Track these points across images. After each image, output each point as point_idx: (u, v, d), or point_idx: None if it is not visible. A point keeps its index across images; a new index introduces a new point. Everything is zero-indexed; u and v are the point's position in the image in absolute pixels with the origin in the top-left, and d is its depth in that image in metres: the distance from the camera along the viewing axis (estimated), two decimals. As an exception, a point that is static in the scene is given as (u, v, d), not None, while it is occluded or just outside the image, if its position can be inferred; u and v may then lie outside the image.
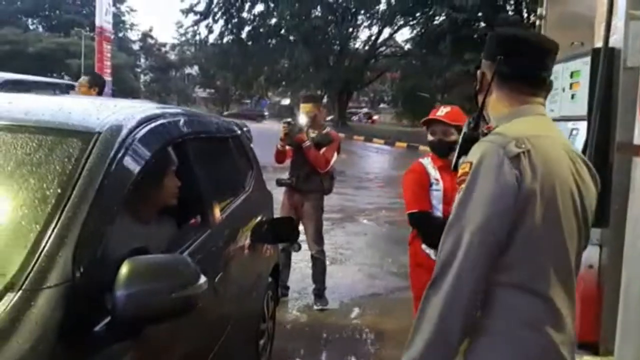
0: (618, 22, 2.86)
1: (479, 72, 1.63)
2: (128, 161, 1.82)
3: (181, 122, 2.42)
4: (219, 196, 2.68)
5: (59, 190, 1.58)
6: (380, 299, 5.29)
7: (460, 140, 1.52)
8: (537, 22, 4.19)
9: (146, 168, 1.93)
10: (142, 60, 50.42)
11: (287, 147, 4.69)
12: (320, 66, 35.08)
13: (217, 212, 2.57)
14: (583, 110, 3.06)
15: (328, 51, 35.24)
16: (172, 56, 51.66)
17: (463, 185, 1.37)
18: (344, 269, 6.10)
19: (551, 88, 1.60)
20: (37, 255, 1.40)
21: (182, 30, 41.15)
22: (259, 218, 3.26)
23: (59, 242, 1.44)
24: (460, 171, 1.42)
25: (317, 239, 4.88)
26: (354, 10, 34.55)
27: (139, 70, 48.72)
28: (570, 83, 3.29)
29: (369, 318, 4.75)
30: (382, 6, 33.04)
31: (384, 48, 36.06)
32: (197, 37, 37.39)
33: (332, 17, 34.26)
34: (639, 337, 2.23)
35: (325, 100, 46.33)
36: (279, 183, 4.84)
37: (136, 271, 1.48)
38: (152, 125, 2.09)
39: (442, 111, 3.10)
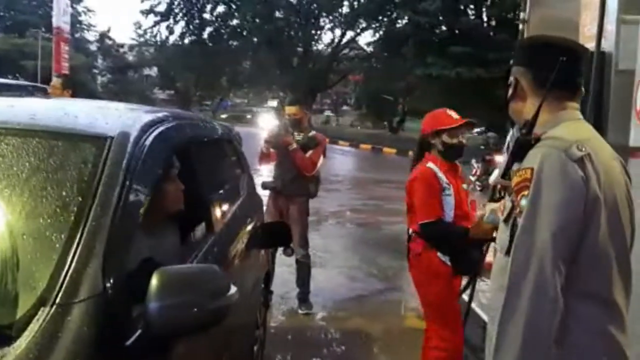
0: (609, 26, 2.92)
1: (511, 78, 1.63)
2: (143, 166, 1.75)
3: (185, 126, 2.35)
4: (221, 201, 2.62)
5: (80, 198, 1.51)
6: (364, 302, 5.28)
7: (512, 146, 1.50)
8: (520, 26, 4.27)
9: (159, 173, 1.87)
10: (100, 61, 49.29)
11: (272, 150, 4.63)
12: (284, 68, 35.03)
13: (219, 217, 2.51)
14: (575, 114, 3.12)
15: (291, 53, 35.20)
16: (131, 57, 50.68)
17: (525, 193, 1.35)
18: (325, 273, 6.07)
19: (583, 93, 1.62)
20: (66, 268, 1.33)
21: (140, 31, 40.46)
22: (253, 223, 3.20)
23: (87, 252, 1.37)
24: (518, 178, 1.41)
25: (303, 243, 4.85)
26: (317, 12, 34.61)
27: (96, 71, 47.61)
28: (560, 86, 3.35)
29: (355, 321, 4.73)
30: (345, 9, 33.25)
31: (347, 50, 36.22)
32: (157, 38, 36.81)
33: (296, 19, 34.24)
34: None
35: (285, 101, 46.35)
36: (265, 186, 4.78)
37: (168, 282, 1.42)
38: (160, 129, 2.02)
39: (456, 115, 3.08)
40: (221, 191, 2.67)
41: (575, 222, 1.32)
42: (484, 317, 3.67)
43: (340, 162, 21.81)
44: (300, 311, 4.84)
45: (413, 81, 25.82)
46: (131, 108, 2.29)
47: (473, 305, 3.77)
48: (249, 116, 41.14)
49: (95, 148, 1.68)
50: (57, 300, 1.26)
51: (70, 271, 1.32)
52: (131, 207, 1.60)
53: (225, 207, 2.67)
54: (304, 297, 4.93)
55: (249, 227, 3.07)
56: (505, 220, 1.49)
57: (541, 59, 1.55)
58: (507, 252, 1.43)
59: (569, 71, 1.54)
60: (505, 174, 1.51)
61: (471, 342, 3.87)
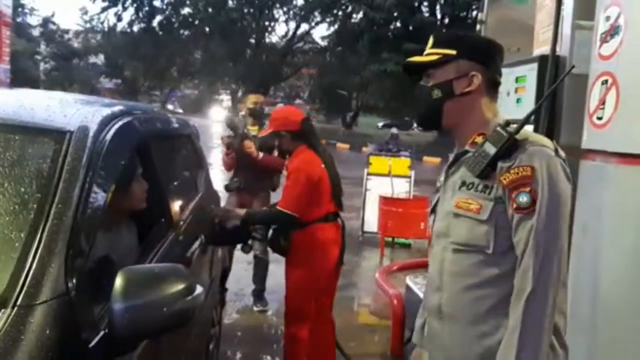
0: (564, 31, 3.02)
1: (470, 74, 1.61)
2: (104, 162, 1.69)
3: (144, 120, 2.29)
4: (180, 198, 2.57)
5: (39, 195, 1.45)
6: (319, 297, 5.28)
7: (500, 144, 1.49)
8: (478, 26, 4.35)
9: (120, 169, 1.82)
10: (43, 47, 47.48)
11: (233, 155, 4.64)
12: (237, 60, 34.67)
13: (179, 214, 2.46)
14: (528, 114, 3.21)
15: (245, 44, 34.85)
16: (76, 44, 49.03)
17: (526, 189, 1.42)
18: (279, 269, 5.95)
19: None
20: (27, 268, 1.27)
21: (87, 17, 39.21)
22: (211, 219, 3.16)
23: (49, 252, 1.32)
24: (513, 176, 1.45)
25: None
26: (270, 3, 34.39)
27: (39, 57, 45.85)
28: (516, 87, 3.43)
29: (310, 317, 4.73)
30: (300, 1, 33.18)
31: (301, 44, 36.14)
32: (105, 25, 35.74)
33: (249, 10, 33.91)
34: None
35: (240, 94, 45.90)
36: (228, 189, 4.74)
37: (132, 282, 1.38)
38: (120, 123, 1.95)
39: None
40: (180, 187, 2.62)
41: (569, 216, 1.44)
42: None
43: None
44: (255, 308, 4.82)
45: (367, 76, 26.02)
46: (88, 101, 2.21)
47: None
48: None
49: (55, 142, 1.61)
50: (18, 302, 1.21)
51: (32, 271, 1.27)
52: (93, 204, 1.55)
53: (184, 203, 2.62)
54: (259, 294, 4.90)
55: (207, 223, 3.03)
56: (486, 216, 1.50)
57: (492, 59, 1.63)
58: (499, 251, 1.48)
59: (500, 73, 1.66)
60: (483, 174, 1.51)
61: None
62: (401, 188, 7.67)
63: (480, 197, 1.52)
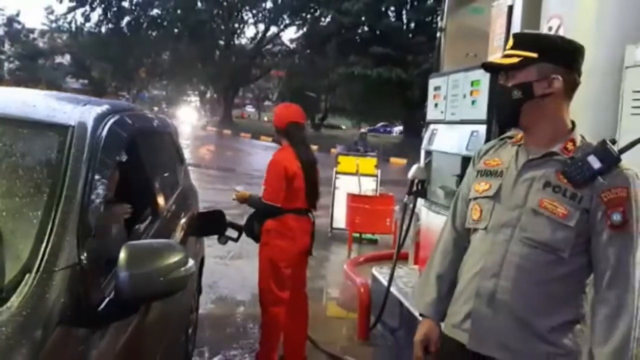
0: (513, 39, 3.33)
1: (551, 77, 1.64)
2: (102, 153, 1.91)
3: (133, 117, 2.50)
4: (164, 190, 2.78)
5: (50, 180, 1.66)
6: (289, 290, 5.52)
7: (609, 162, 1.59)
8: (438, 34, 4.65)
9: (115, 159, 2.04)
10: (7, 46, 46.52)
11: None
12: (205, 61, 34.62)
13: (163, 205, 2.67)
14: (482, 115, 3.52)
15: (213, 46, 34.83)
16: (41, 43, 48.17)
17: (620, 209, 1.57)
18: (251, 263, 6.20)
19: None
20: (45, 241, 1.49)
21: (53, 17, 38.62)
22: (191, 212, 3.37)
23: (63, 228, 1.54)
24: (612, 195, 1.58)
25: None
26: (240, 6, 34.45)
27: (3, 57, 44.93)
28: (471, 90, 3.75)
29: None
30: (269, 4, 33.34)
31: (270, 46, 36.28)
32: (72, 25, 35.24)
33: (219, 12, 33.90)
34: None
35: (208, 95, 45.72)
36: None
37: (135, 255, 1.60)
38: (112, 120, 2.17)
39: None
40: (164, 181, 2.83)
41: None
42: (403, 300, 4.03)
43: (262, 157, 21.89)
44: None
45: (335, 79, 26.37)
46: (80, 99, 2.41)
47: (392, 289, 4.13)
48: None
49: (60, 135, 1.83)
50: (41, 268, 1.42)
51: (50, 244, 1.48)
52: (96, 188, 1.77)
53: (168, 196, 2.84)
54: None
55: (188, 216, 3.24)
56: (574, 224, 1.61)
57: (577, 63, 1.67)
58: (571, 254, 1.62)
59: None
60: (585, 182, 1.60)
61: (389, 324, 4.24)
62: (368, 186, 7.99)
63: (567, 204, 1.60)
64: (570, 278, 1.63)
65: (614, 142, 1.64)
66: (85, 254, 1.55)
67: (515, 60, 1.64)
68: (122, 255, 1.59)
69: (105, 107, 2.24)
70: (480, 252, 1.73)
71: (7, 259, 1.43)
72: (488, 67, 1.80)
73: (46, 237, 1.49)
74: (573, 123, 1.71)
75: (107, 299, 1.58)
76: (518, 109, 1.66)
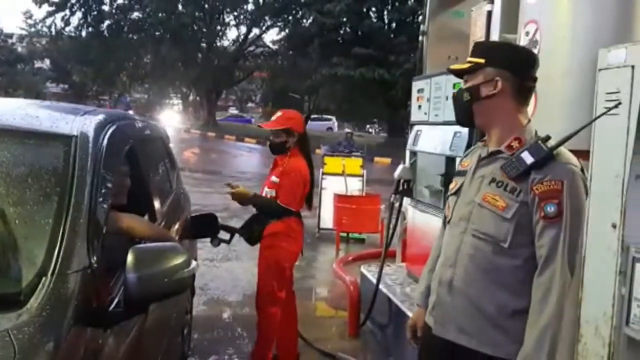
0: (493, 43, 3.45)
1: (495, 78, 1.77)
2: (104, 161, 2.00)
3: (130, 126, 2.60)
4: (160, 194, 2.87)
5: (59, 188, 1.75)
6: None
7: (539, 156, 1.69)
8: (420, 37, 4.77)
9: (116, 167, 2.13)
10: (-16, 52, 46.02)
11: None
12: (188, 64, 34.50)
13: (160, 209, 2.76)
14: (465, 116, 3.63)
15: (196, 49, 34.69)
16: (20, 48, 47.67)
17: (554, 201, 1.65)
18: (241, 265, 6.35)
19: None
20: (58, 245, 1.57)
21: (31, 21, 38.21)
22: (184, 215, 3.46)
23: (74, 233, 1.63)
24: (545, 187, 1.66)
25: None
26: (221, 8, 34.40)
27: (-19, 63, 44.43)
28: (453, 92, 3.86)
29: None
30: (251, 6, 33.33)
31: (252, 48, 36.27)
32: (52, 29, 34.89)
33: (200, 14, 33.82)
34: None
35: (191, 98, 45.57)
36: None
37: (141, 257, 1.70)
38: (112, 128, 2.26)
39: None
40: (160, 186, 2.92)
41: None
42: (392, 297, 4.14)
43: (247, 159, 22.02)
44: None
45: (319, 80, 26.46)
46: (77, 109, 2.49)
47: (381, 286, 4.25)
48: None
49: (64, 145, 1.92)
50: (55, 271, 1.51)
51: (63, 248, 1.57)
52: (101, 195, 1.86)
53: (163, 200, 2.93)
54: None
55: (182, 219, 3.33)
56: (511, 215, 1.72)
57: (524, 67, 1.81)
58: (514, 245, 1.72)
59: (535, 80, 1.85)
60: (518, 177, 1.71)
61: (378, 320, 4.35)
62: (354, 186, 8.12)
63: (507, 197, 1.73)
64: (519, 269, 1.74)
65: (548, 138, 1.74)
66: (95, 257, 1.64)
67: (466, 65, 1.84)
68: (130, 257, 1.68)
69: (102, 117, 2.32)
70: (445, 243, 1.92)
71: (23, 264, 1.52)
72: (451, 72, 1.96)
73: (58, 242, 1.58)
74: (529, 122, 1.84)
75: (116, 300, 1.68)
76: (470, 109, 1.83)
